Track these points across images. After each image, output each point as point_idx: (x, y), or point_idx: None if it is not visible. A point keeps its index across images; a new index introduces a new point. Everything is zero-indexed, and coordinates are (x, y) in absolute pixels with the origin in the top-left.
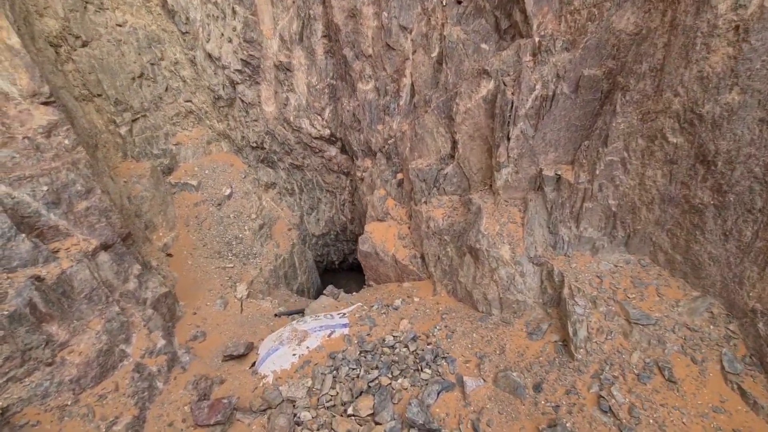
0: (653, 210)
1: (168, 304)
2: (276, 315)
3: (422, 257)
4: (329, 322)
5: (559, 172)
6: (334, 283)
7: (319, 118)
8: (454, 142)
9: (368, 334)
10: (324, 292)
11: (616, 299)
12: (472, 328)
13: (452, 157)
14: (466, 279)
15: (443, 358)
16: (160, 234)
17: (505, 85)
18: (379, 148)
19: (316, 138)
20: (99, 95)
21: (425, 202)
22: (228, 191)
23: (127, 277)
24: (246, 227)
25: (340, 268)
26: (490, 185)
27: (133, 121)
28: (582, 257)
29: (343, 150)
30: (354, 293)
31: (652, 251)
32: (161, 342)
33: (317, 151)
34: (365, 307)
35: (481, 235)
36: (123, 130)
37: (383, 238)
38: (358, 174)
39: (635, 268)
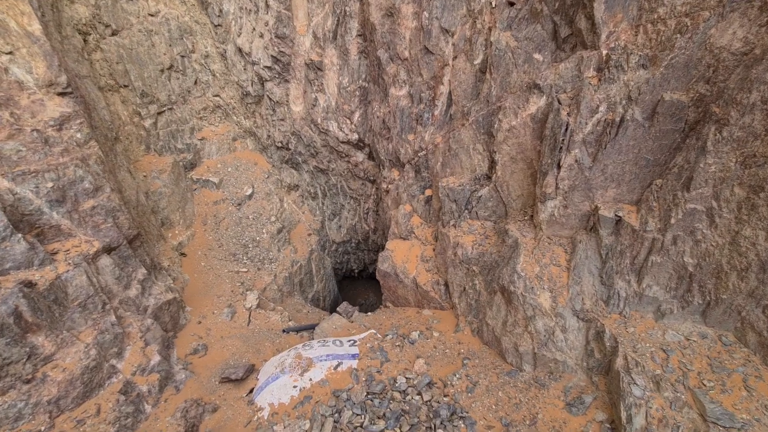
0: (747, 278)
1: (171, 313)
2: (284, 331)
3: (446, 285)
4: (337, 350)
5: (619, 214)
6: (351, 292)
7: (347, 121)
8: (493, 162)
9: (378, 371)
10: (338, 309)
11: (687, 384)
12: (498, 383)
13: (488, 178)
14: (495, 322)
15: (461, 417)
16: (176, 232)
17: (559, 103)
18: (408, 160)
19: (343, 142)
20: (125, 86)
21: (454, 225)
22: (249, 191)
23: (129, 282)
24: (264, 230)
25: (359, 277)
26: (531, 216)
27: (159, 113)
28: (642, 320)
29: (370, 156)
30: (369, 313)
31: (740, 328)
32: (156, 358)
33: (344, 155)
34: (378, 336)
35: (516, 276)
36: (147, 123)
37: (405, 258)
38: (384, 185)
39: (714, 346)
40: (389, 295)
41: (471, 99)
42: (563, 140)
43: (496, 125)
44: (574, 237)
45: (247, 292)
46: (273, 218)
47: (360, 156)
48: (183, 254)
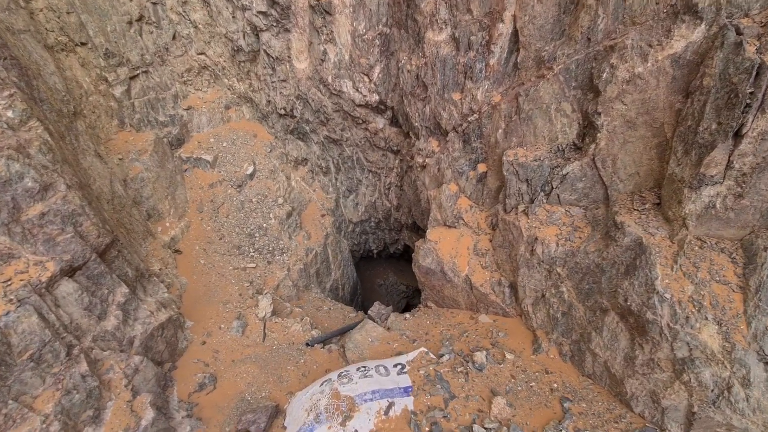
0: None
1: (167, 338)
2: (308, 344)
3: (511, 287)
4: (384, 382)
5: None
6: (369, 273)
7: (365, 79)
8: (588, 127)
9: (444, 416)
10: (369, 312)
11: None
12: None
13: (578, 149)
14: (610, 354)
15: None
16: (167, 224)
17: (739, 33)
18: (453, 127)
19: (359, 105)
20: (83, 44)
21: (525, 212)
22: (250, 169)
23: (106, 309)
24: (271, 214)
25: (378, 256)
26: (656, 205)
27: (131, 78)
28: None
29: (393, 122)
30: (407, 315)
31: None
32: (149, 414)
33: (360, 122)
34: (432, 357)
35: (657, 296)
36: (118, 91)
37: (453, 251)
38: (418, 159)
39: None
40: (432, 294)
41: (553, 39)
42: (751, 93)
43: (604, 74)
44: (751, 240)
45: (259, 297)
46: (280, 200)
47: (380, 122)
48: (177, 251)
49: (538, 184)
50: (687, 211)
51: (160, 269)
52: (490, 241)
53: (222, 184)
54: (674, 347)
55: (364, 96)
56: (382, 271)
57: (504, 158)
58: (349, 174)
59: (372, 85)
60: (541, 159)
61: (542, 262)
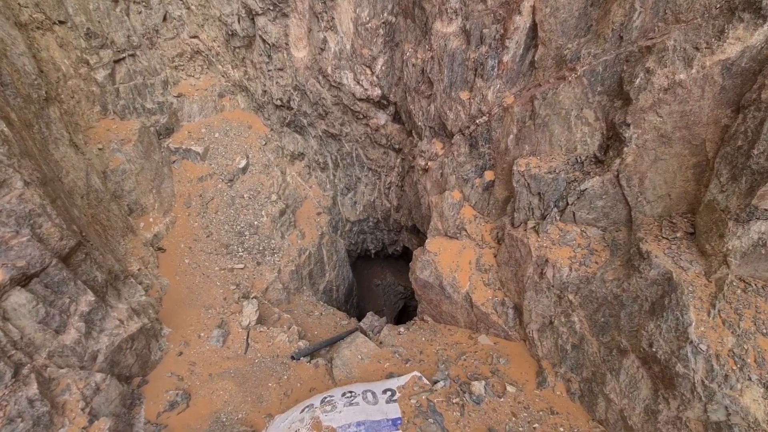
0: None
1: (138, 350)
2: (293, 358)
3: (516, 309)
4: (371, 411)
5: None
6: (366, 272)
7: (367, 71)
8: (613, 139)
9: None
10: (362, 323)
11: None
12: None
13: (599, 162)
14: (628, 403)
15: None
16: (150, 220)
17: None
18: (459, 129)
19: (360, 99)
20: (62, 22)
21: (535, 230)
22: (243, 162)
23: (65, 321)
24: (263, 212)
25: (376, 256)
26: (690, 234)
27: (116, 62)
28: None
29: (395, 118)
30: (402, 329)
31: None
32: None
33: (361, 117)
34: (425, 382)
35: (690, 346)
36: (101, 75)
37: (454, 265)
38: (420, 161)
39: None
40: (429, 308)
41: (577, 36)
42: None
43: (638, 80)
44: None
45: (244, 302)
46: (274, 196)
47: (382, 117)
48: (160, 249)
49: (552, 198)
50: (730, 247)
51: (138, 270)
52: (495, 257)
53: (212, 177)
54: (708, 409)
55: (366, 90)
56: (379, 271)
57: (515, 168)
58: (348, 171)
59: (374, 78)
60: (557, 171)
61: (552, 286)
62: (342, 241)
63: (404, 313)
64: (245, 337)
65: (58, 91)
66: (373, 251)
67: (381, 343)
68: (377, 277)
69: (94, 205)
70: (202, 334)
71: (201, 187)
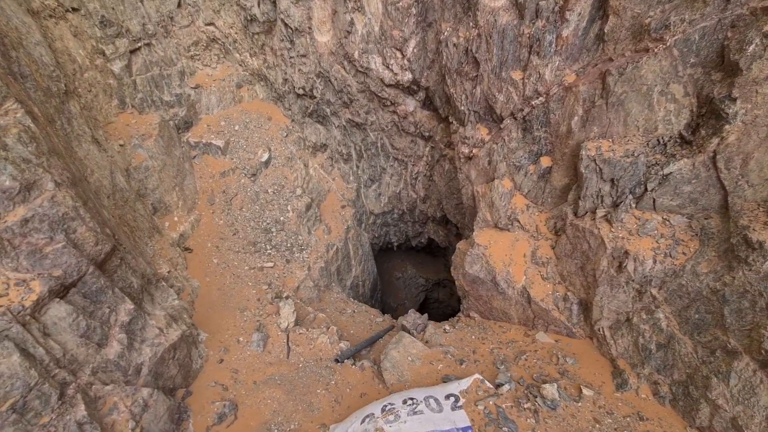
0: None
1: (180, 359)
2: (337, 361)
3: (581, 304)
4: (437, 420)
5: None
6: (386, 265)
7: (397, 54)
8: (707, 116)
9: None
10: (403, 323)
11: None
12: None
13: (686, 143)
14: (743, 411)
15: None
16: (175, 219)
17: None
18: (510, 112)
19: (389, 85)
20: (75, 9)
21: (607, 219)
22: (265, 155)
23: (107, 333)
24: (289, 207)
25: (397, 249)
26: None
27: (132, 52)
28: None
29: (425, 104)
30: (446, 326)
31: None
32: None
33: (388, 104)
34: (488, 386)
35: None
36: (117, 66)
37: (507, 258)
38: (463, 149)
39: None
40: (477, 304)
41: (661, 2)
42: None
43: (751, 47)
44: None
45: (281, 303)
46: (299, 190)
47: (411, 104)
48: (187, 249)
49: (628, 185)
50: None
51: (168, 272)
52: (552, 249)
53: (234, 172)
54: None
55: (395, 74)
56: (400, 263)
57: (583, 152)
58: (373, 162)
59: (405, 62)
60: (635, 154)
61: (632, 280)
62: (366, 234)
63: (425, 305)
64: (286, 341)
65: (75, 84)
66: (395, 244)
67: (427, 342)
68: (398, 270)
69: (120, 205)
70: (241, 339)
71: (224, 183)
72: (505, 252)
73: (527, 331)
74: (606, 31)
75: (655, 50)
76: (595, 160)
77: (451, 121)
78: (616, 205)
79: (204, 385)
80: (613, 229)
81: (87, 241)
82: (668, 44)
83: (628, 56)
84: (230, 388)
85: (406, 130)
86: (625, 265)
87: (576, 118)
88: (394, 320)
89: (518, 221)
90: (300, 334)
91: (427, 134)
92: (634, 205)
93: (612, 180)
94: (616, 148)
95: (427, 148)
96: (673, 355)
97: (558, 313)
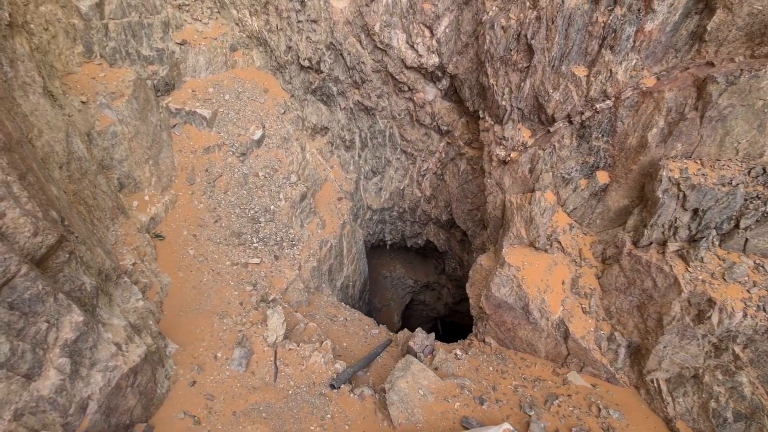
0: None
1: (141, 385)
2: (333, 387)
3: (631, 347)
4: None
5: None
6: (374, 262)
7: (425, 33)
8: None
9: None
10: (410, 345)
11: None
12: None
13: None
14: None
15: None
16: (146, 198)
17: None
18: (566, 114)
19: (410, 68)
20: None
21: (681, 255)
22: (258, 133)
23: (41, 358)
24: (281, 194)
25: (390, 248)
26: None
27: None
28: None
29: (448, 94)
30: (458, 352)
31: None
32: None
33: (405, 89)
34: None
35: None
36: (85, 4)
37: (542, 284)
38: (499, 151)
39: None
40: (497, 330)
41: None
42: None
43: None
44: None
45: (268, 311)
46: (294, 177)
47: (431, 92)
48: (159, 236)
49: (716, 218)
50: None
51: (133, 264)
52: (598, 279)
53: (221, 149)
54: None
55: (420, 56)
56: (388, 262)
57: (663, 172)
58: (377, 152)
59: (433, 43)
60: (732, 183)
61: (711, 333)
62: (360, 230)
63: (410, 306)
64: (273, 359)
65: (27, 18)
66: (389, 242)
67: (437, 369)
68: (386, 268)
69: (76, 178)
70: (219, 355)
71: (207, 160)
72: (540, 276)
73: (556, 369)
74: (709, 28)
75: None
76: (679, 184)
77: (482, 116)
78: (693, 240)
79: (170, 416)
80: (690, 269)
81: (20, 230)
82: None
83: (741, 62)
84: (203, 421)
85: (420, 121)
86: (708, 315)
87: (654, 130)
88: (391, 333)
89: (559, 242)
90: (290, 350)
91: (444, 128)
92: (717, 243)
93: (696, 210)
94: (708, 172)
95: (442, 144)
96: (759, 430)
97: (599, 354)
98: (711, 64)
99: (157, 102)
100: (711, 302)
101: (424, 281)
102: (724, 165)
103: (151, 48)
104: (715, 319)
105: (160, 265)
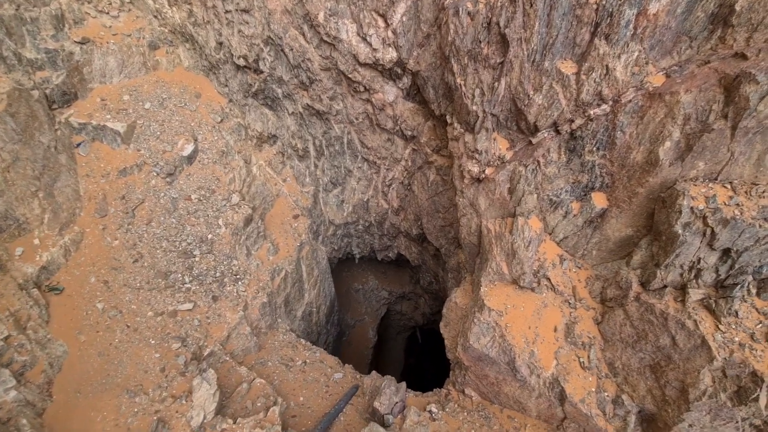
0: None
1: None
2: None
3: (643, 413)
4: None
5: None
6: (345, 274)
7: (379, 22)
8: None
9: None
10: (376, 405)
11: None
12: None
13: None
14: None
15: None
16: (36, 241)
17: None
18: (552, 122)
19: (365, 65)
20: None
21: (707, 305)
22: (189, 148)
23: None
24: (220, 221)
25: (360, 259)
26: None
27: None
28: None
29: (411, 95)
30: (433, 408)
31: None
32: None
33: (361, 89)
34: None
35: None
36: None
37: (530, 333)
38: (471, 166)
39: None
40: (479, 384)
41: None
42: None
43: None
44: None
45: (195, 380)
46: (236, 197)
47: (391, 92)
48: (54, 289)
49: (755, 261)
50: None
51: (7, 338)
52: (598, 324)
53: (141, 170)
54: None
55: (374, 50)
56: (360, 274)
57: (683, 201)
58: (336, 161)
59: (389, 34)
60: None
61: (757, 416)
62: (323, 248)
63: (387, 317)
64: None
65: None
66: (357, 256)
67: None
68: (358, 281)
69: None
70: None
71: (124, 185)
72: (527, 323)
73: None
74: (738, 8)
75: None
76: (705, 217)
77: (450, 122)
78: (722, 287)
79: None
80: (722, 327)
81: None
82: None
83: None
84: None
85: (381, 126)
86: (754, 396)
87: (668, 143)
88: (357, 374)
89: (548, 279)
90: (222, 428)
91: (409, 133)
92: (755, 292)
93: (727, 250)
94: (744, 201)
95: (407, 151)
96: None
97: (604, 421)
98: (742, 56)
99: (50, 117)
100: (756, 377)
101: (399, 292)
102: (764, 191)
103: (38, 49)
104: (763, 401)
105: (53, 330)
